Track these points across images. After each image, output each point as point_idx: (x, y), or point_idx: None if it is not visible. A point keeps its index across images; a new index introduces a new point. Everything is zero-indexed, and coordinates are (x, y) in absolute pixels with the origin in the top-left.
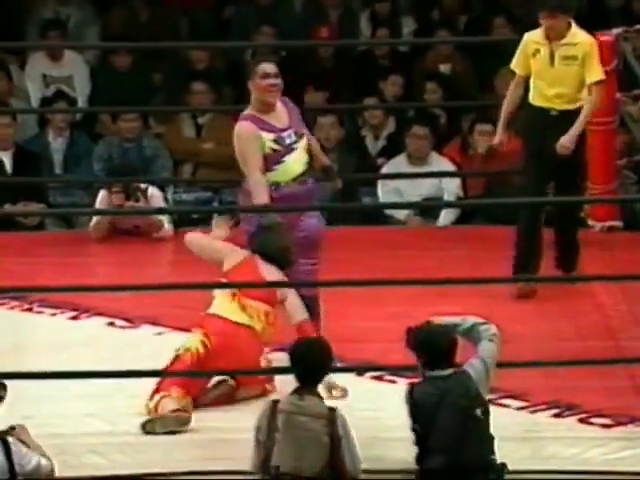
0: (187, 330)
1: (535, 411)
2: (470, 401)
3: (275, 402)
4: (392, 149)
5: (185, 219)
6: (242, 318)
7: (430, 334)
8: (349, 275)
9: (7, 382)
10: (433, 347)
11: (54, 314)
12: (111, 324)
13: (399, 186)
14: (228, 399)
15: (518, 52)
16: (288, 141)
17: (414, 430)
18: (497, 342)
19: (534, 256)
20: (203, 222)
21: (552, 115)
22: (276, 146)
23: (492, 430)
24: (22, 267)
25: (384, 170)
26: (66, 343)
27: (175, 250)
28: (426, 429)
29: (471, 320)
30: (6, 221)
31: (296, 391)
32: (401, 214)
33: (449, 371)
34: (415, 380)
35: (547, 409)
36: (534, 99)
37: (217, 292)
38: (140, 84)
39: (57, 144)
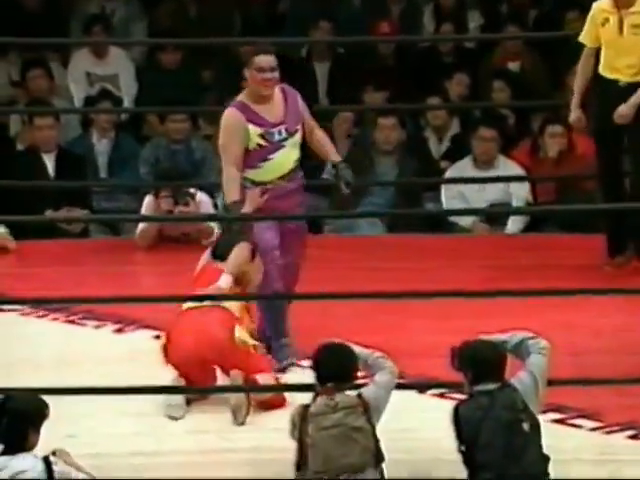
0: None
1: (610, 432)
2: (516, 414)
3: (305, 407)
4: (457, 152)
5: None
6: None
7: (477, 349)
8: (410, 285)
9: (49, 398)
10: (480, 362)
11: (98, 326)
12: (158, 337)
13: (464, 191)
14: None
15: (587, 22)
16: (277, 137)
17: (461, 452)
18: (547, 355)
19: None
20: None
21: (621, 86)
22: (263, 142)
23: (564, 451)
24: (65, 276)
25: (448, 174)
26: (110, 357)
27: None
28: (472, 446)
29: (520, 335)
30: (48, 228)
31: (324, 392)
32: (466, 221)
33: (495, 385)
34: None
35: (622, 430)
36: (603, 70)
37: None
38: (189, 82)
39: (101, 146)
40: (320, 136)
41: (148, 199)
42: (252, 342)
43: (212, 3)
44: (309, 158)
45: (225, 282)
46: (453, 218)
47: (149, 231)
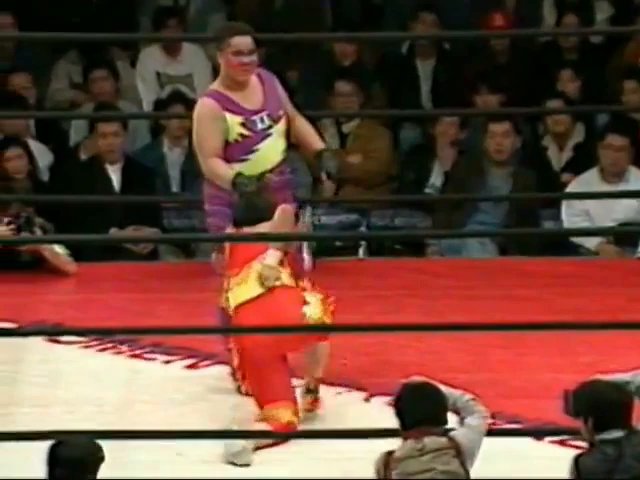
0: (328, 383)
1: None
2: None
3: (389, 453)
4: (580, 163)
5: (326, 247)
6: (259, 287)
7: (597, 392)
8: (525, 316)
9: (111, 443)
10: (602, 406)
11: (168, 361)
12: (232, 374)
13: (589, 208)
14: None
15: None
16: (260, 126)
17: None
18: None
19: None
20: (349, 250)
21: None
22: (245, 131)
23: None
24: (131, 304)
25: (570, 188)
26: (182, 397)
27: (314, 284)
28: None
29: None
30: (113, 248)
31: (410, 436)
32: (591, 242)
33: (621, 433)
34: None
35: None
36: None
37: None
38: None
39: (173, 156)
40: (302, 124)
41: None
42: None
43: None
44: None
45: (273, 259)
46: (576, 239)
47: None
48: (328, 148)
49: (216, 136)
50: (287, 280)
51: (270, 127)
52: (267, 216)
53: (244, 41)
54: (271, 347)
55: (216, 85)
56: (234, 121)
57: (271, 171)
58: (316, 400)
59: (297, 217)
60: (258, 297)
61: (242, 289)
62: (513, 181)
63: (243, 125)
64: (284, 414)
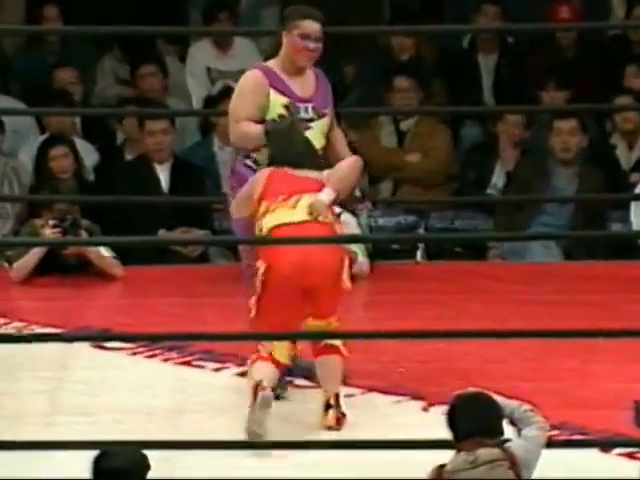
0: (385, 392)
1: None
2: None
3: (441, 466)
4: None
5: (383, 250)
6: (303, 213)
7: None
8: (592, 322)
9: (159, 453)
10: None
11: (218, 369)
12: (288, 383)
13: None
14: None
15: None
16: (303, 114)
17: None
18: None
19: None
20: (406, 253)
21: None
22: (286, 113)
23: None
24: (180, 309)
25: None
26: (232, 405)
27: (371, 289)
28: None
29: None
30: (162, 251)
31: (463, 448)
32: None
33: None
34: None
35: None
36: None
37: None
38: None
39: (224, 155)
40: (338, 136)
41: None
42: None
43: None
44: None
45: (328, 196)
46: None
47: None
48: None
49: (253, 107)
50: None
51: (312, 120)
52: (309, 156)
53: (313, 26)
54: (295, 274)
55: (271, 63)
56: (278, 100)
57: None
58: (341, 416)
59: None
60: (300, 223)
61: (285, 212)
62: (579, 181)
63: (286, 107)
64: (279, 353)
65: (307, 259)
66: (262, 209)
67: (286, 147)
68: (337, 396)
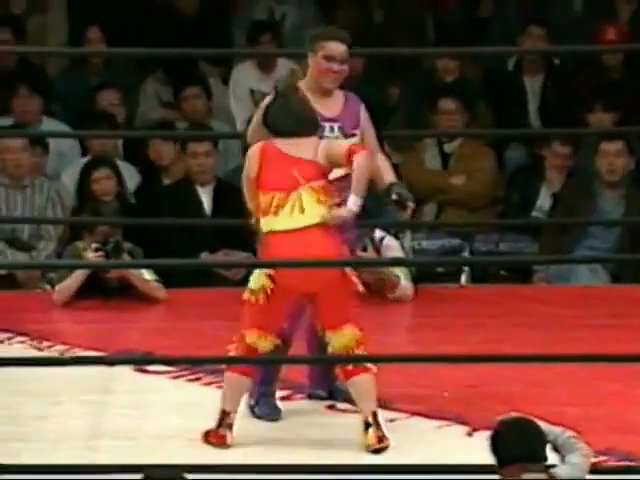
0: (429, 416)
1: None
2: None
3: None
4: None
5: (427, 273)
6: (305, 218)
7: None
8: (638, 347)
9: (202, 477)
10: None
11: None
12: (331, 407)
13: None
14: None
15: None
16: (328, 134)
17: None
18: None
19: None
20: (451, 276)
21: None
22: None
23: None
24: (223, 332)
25: None
26: (275, 430)
27: (415, 312)
28: None
29: None
30: (204, 274)
31: (507, 474)
32: None
33: None
34: None
35: None
36: None
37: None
38: (372, 100)
39: None
40: (383, 161)
41: None
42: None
43: (400, 7)
44: None
45: (355, 205)
46: None
47: None
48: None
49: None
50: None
51: (337, 139)
52: (309, 125)
53: (338, 47)
54: (294, 280)
55: (300, 84)
56: None
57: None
58: (382, 435)
59: (361, 243)
60: (301, 230)
61: (284, 218)
62: (626, 204)
63: None
64: (261, 342)
65: (302, 270)
66: (260, 201)
67: (286, 108)
68: (375, 414)
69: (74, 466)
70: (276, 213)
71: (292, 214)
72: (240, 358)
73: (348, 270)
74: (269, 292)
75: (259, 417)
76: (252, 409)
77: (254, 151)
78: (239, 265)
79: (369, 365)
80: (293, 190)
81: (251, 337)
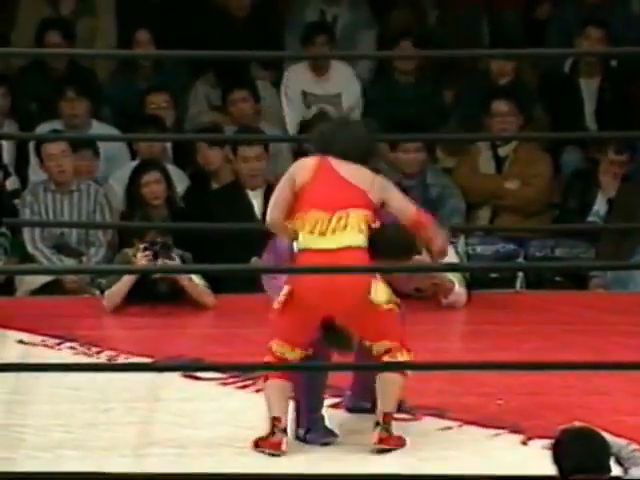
0: (483, 425)
1: None
2: None
3: None
4: None
5: (481, 279)
6: (343, 241)
7: None
8: None
9: None
10: None
11: None
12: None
13: None
14: None
15: None
16: None
17: None
18: None
19: None
20: (505, 282)
21: None
22: None
23: None
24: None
25: None
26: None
27: (469, 319)
28: None
29: None
30: (254, 280)
31: None
32: None
33: None
34: None
35: None
36: None
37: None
38: (426, 104)
39: None
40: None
41: None
42: (390, 300)
43: (456, 8)
44: None
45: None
46: None
47: None
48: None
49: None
50: None
51: None
52: (365, 152)
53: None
54: (315, 302)
55: None
56: None
57: None
58: (387, 437)
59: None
60: (335, 251)
61: (321, 238)
62: None
63: None
64: (287, 353)
65: (329, 287)
66: (298, 217)
67: (343, 135)
68: (386, 415)
69: (124, 474)
70: (314, 232)
71: (332, 235)
72: (288, 365)
73: (376, 295)
74: (289, 306)
75: (312, 443)
76: (303, 437)
77: (310, 161)
78: (289, 271)
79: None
80: (339, 211)
81: (277, 347)
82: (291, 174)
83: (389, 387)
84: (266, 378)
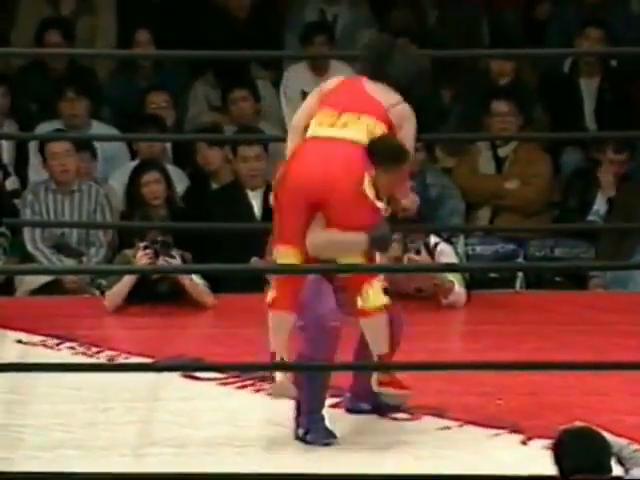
0: (483, 425)
1: None
2: None
3: None
4: None
5: (481, 279)
6: (345, 133)
7: None
8: None
9: None
10: None
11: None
12: (383, 415)
13: None
14: None
15: None
16: None
17: None
18: None
19: None
20: (505, 282)
21: None
22: None
23: None
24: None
25: None
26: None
27: (469, 319)
28: None
29: None
30: (254, 280)
31: None
32: None
33: None
34: None
35: None
36: None
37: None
38: (425, 103)
39: None
40: None
41: None
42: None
43: (456, 8)
44: None
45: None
46: None
47: None
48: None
49: None
50: None
51: None
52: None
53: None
54: (299, 187)
55: None
56: None
57: None
58: (387, 379)
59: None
60: (327, 139)
61: (326, 128)
62: None
63: None
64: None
65: (316, 173)
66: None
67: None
68: (381, 357)
69: (123, 474)
70: (323, 124)
71: (341, 128)
72: (289, 365)
73: (365, 190)
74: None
75: (312, 444)
76: (303, 438)
77: (341, 77)
78: (289, 270)
79: (383, 303)
80: (352, 112)
81: (276, 253)
82: (320, 86)
83: (373, 331)
84: (270, 307)
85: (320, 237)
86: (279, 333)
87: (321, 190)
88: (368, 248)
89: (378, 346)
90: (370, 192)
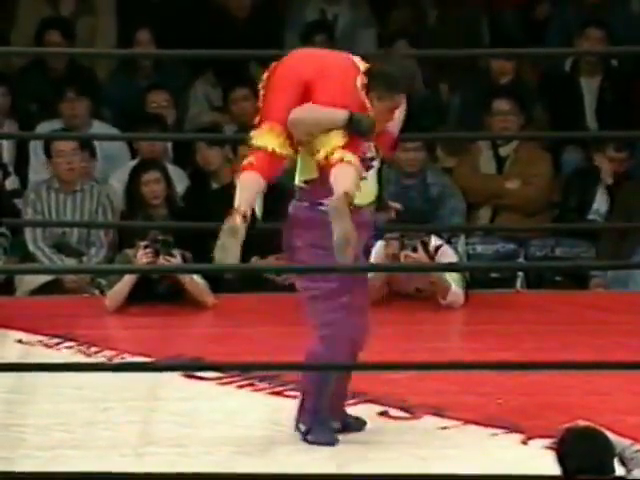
0: (483, 424)
1: None
2: None
3: None
4: None
5: (481, 279)
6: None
7: None
8: None
9: None
10: None
11: None
12: (383, 414)
13: None
14: None
15: None
16: (368, 154)
17: None
18: None
19: None
20: (505, 282)
21: None
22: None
23: None
24: (273, 338)
25: None
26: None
27: (469, 319)
28: None
29: None
30: (253, 279)
31: None
32: None
33: None
34: None
35: None
36: None
37: None
38: (425, 102)
39: None
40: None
41: (377, 244)
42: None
43: (455, 8)
44: None
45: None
46: None
47: (376, 285)
48: None
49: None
50: None
51: (373, 159)
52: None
53: (403, 99)
54: (293, 65)
55: None
56: None
57: (369, 205)
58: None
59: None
60: None
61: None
62: None
63: None
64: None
65: (312, 56)
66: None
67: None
68: (347, 194)
69: (123, 474)
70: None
71: None
72: (288, 365)
73: (356, 83)
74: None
75: (313, 443)
76: (305, 436)
77: None
78: (289, 270)
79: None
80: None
81: (258, 138)
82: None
83: (344, 175)
84: (243, 168)
85: (300, 109)
86: (247, 190)
87: (314, 69)
88: (347, 127)
89: (344, 183)
90: (362, 93)
